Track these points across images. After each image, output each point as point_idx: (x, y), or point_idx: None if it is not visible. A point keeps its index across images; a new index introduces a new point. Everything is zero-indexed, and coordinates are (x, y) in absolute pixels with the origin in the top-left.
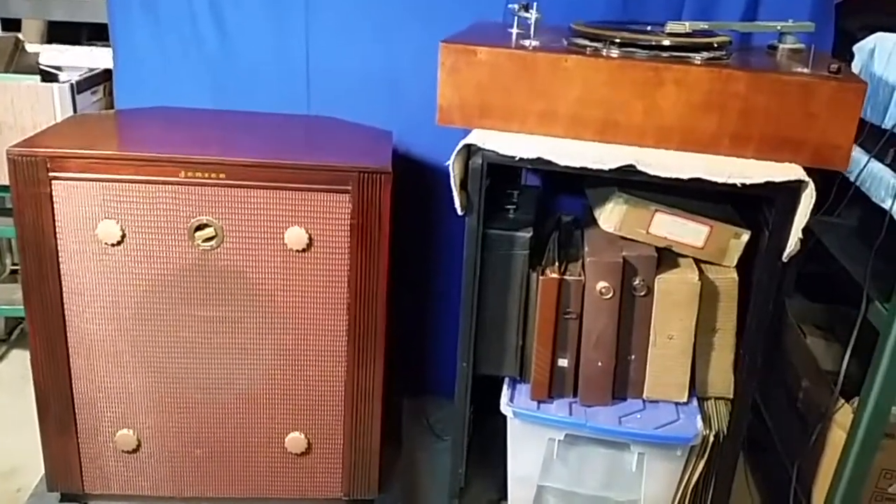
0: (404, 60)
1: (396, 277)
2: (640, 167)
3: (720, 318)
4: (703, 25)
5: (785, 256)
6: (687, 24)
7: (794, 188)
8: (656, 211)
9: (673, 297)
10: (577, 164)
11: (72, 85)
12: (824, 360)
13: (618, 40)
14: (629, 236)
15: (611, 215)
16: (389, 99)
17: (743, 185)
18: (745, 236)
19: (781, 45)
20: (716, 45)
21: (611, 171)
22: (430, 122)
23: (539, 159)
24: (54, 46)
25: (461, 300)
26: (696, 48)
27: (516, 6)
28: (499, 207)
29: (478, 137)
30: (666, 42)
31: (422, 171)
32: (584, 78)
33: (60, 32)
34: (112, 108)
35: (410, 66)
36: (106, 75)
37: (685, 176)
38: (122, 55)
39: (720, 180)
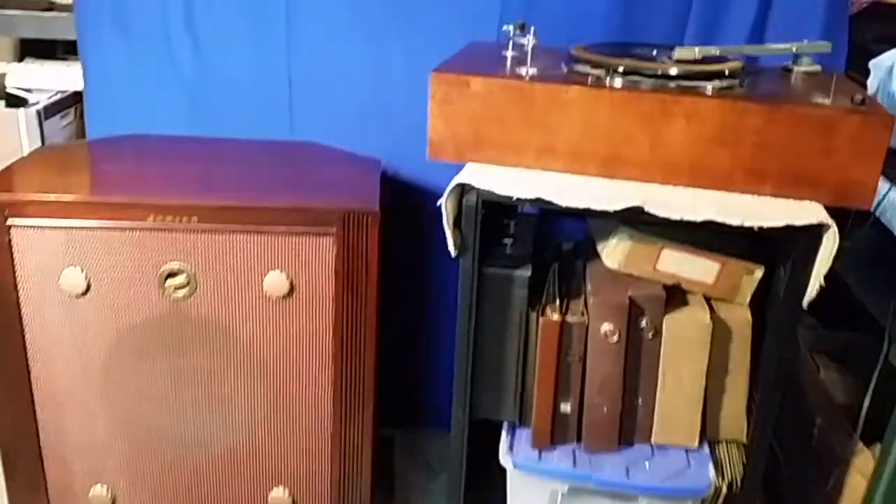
0: (394, 80)
1: (388, 313)
2: (648, 208)
3: (732, 359)
4: (713, 51)
5: (805, 303)
6: (696, 49)
7: (816, 230)
8: (663, 247)
9: (683, 338)
10: (580, 205)
11: (38, 111)
12: (838, 393)
13: (621, 68)
14: (635, 273)
15: (614, 252)
16: (379, 120)
17: (760, 228)
18: (759, 272)
19: (796, 68)
20: (727, 73)
21: (617, 212)
22: (422, 145)
23: (538, 199)
24: (24, 65)
25: (456, 343)
26: (707, 76)
27: (511, 27)
28: (495, 240)
29: (471, 175)
30: (673, 70)
31: (414, 198)
32: (585, 110)
33: (35, 47)
34: (83, 132)
35: (401, 86)
36: (77, 97)
37: (698, 218)
38: (93, 77)
39: (735, 222)
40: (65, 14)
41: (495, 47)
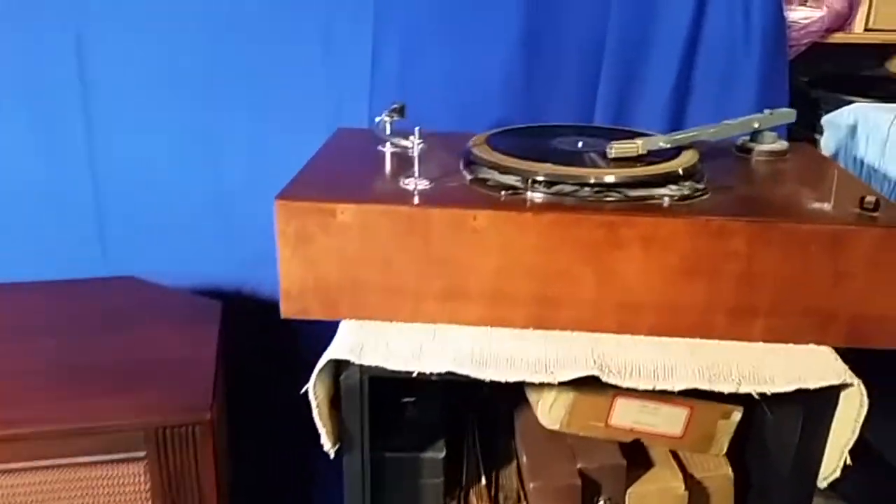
0: (235, 180)
1: None
2: (607, 378)
3: None
4: (659, 142)
5: (821, 482)
6: (638, 142)
7: (833, 390)
8: (616, 395)
9: None
10: (511, 378)
11: None
12: None
13: (541, 178)
14: (581, 433)
15: (553, 410)
16: (219, 238)
17: (761, 395)
18: (737, 415)
19: (757, 147)
20: (682, 173)
21: (563, 384)
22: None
23: (450, 373)
24: None
25: None
26: (659, 181)
27: (385, 117)
28: (391, 402)
29: (350, 341)
30: (609, 177)
31: (277, 343)
32: (503, 241)
33: None
34: None
35: (245, 188)
36: None
37: (676, 387)
38: None
39: (727, 389)
40: None
41: (369, 139)
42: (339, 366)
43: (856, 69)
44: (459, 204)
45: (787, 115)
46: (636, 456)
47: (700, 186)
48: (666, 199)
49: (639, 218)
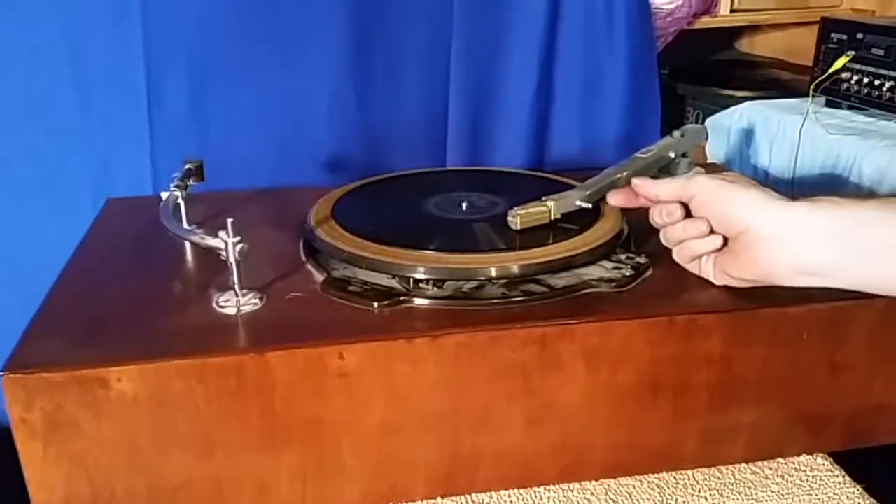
0: None
1: None
2: None
3: None
4: (576, 201)
5: None
6: (549, 204)
7: None
8: None
9: None
10: None
11: None
12: None
13: (423, 275)
14: None
15: None
16: None
17: None
18: None
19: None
20: (605, 244)
21: None
22: None
23: None
24: None
25: None
26: (592, 257)
27: (174, 190)
28: None
29: None
30: (521, 265)
31: None
32: (388, 383)
33: None
34: None
35: None
36: None
37: None
38: None
39: None
40: None
41: (155, 216)
42: None
43: (708, 53)
44: (313, 336)
45: (698, 132)
46: None
47: (642, 261)
48: (603, 284)
49: (579, 325)
